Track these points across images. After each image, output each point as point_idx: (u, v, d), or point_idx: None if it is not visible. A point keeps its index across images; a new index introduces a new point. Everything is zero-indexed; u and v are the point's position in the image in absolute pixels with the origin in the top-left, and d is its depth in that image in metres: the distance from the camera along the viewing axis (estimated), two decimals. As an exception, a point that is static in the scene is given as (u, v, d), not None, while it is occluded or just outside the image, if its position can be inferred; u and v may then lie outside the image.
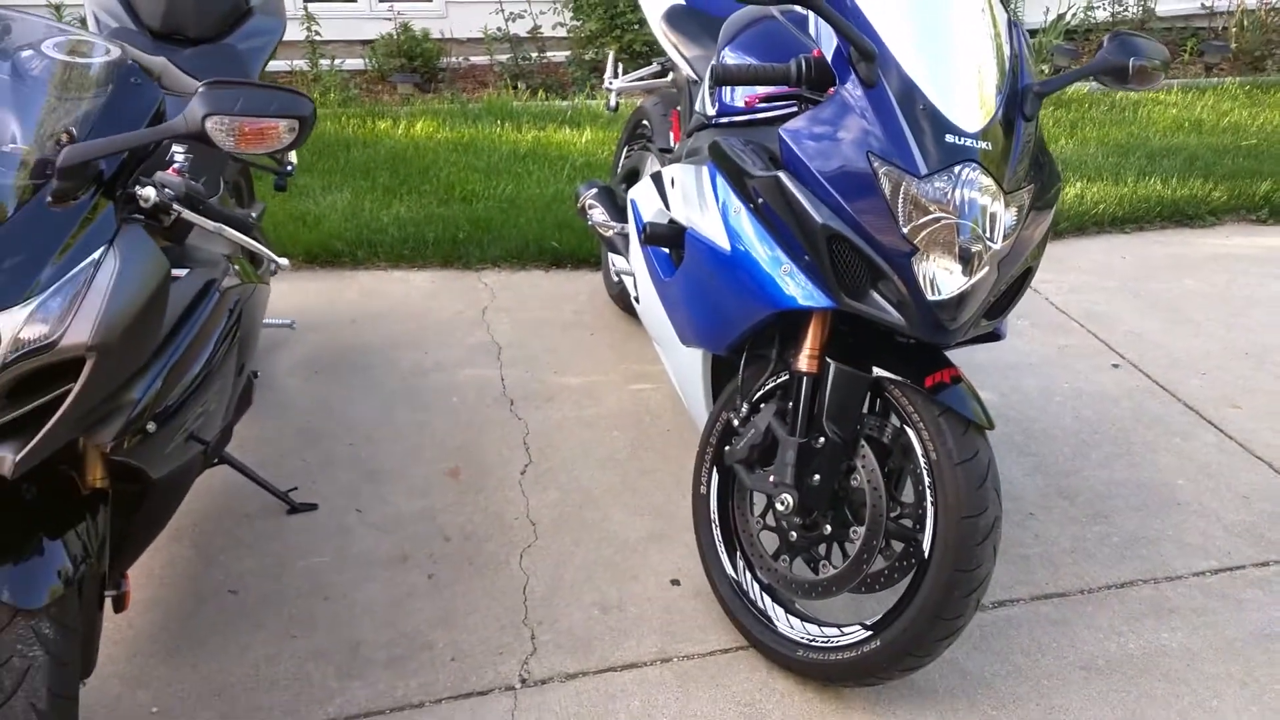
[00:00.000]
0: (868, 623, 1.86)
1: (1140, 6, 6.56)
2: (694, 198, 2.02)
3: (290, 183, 2.75)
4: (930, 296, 1.64)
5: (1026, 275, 1.80)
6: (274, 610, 2.12)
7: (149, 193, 1.41)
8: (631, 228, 2.52)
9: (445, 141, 4.62)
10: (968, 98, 1.67)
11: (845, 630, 1.90)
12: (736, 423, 2.00)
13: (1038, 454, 2.74)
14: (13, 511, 1.42)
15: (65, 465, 1.50)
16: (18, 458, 1.31)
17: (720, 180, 1.91)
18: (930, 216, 1.62)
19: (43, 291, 1.30)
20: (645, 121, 3.18)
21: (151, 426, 1.51)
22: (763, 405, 1.97)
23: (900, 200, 1.62)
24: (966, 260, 1.63)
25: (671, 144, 2.90)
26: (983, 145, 1.64)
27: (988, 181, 1.63)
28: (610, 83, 3.14)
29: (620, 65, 3.21)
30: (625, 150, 3.38)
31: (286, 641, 2.04)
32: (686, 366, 2.26)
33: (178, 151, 1.61)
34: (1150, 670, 2.06)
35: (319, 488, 2.49)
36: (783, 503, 1.86)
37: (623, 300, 3.30)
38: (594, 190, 2.97)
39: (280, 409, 2.78)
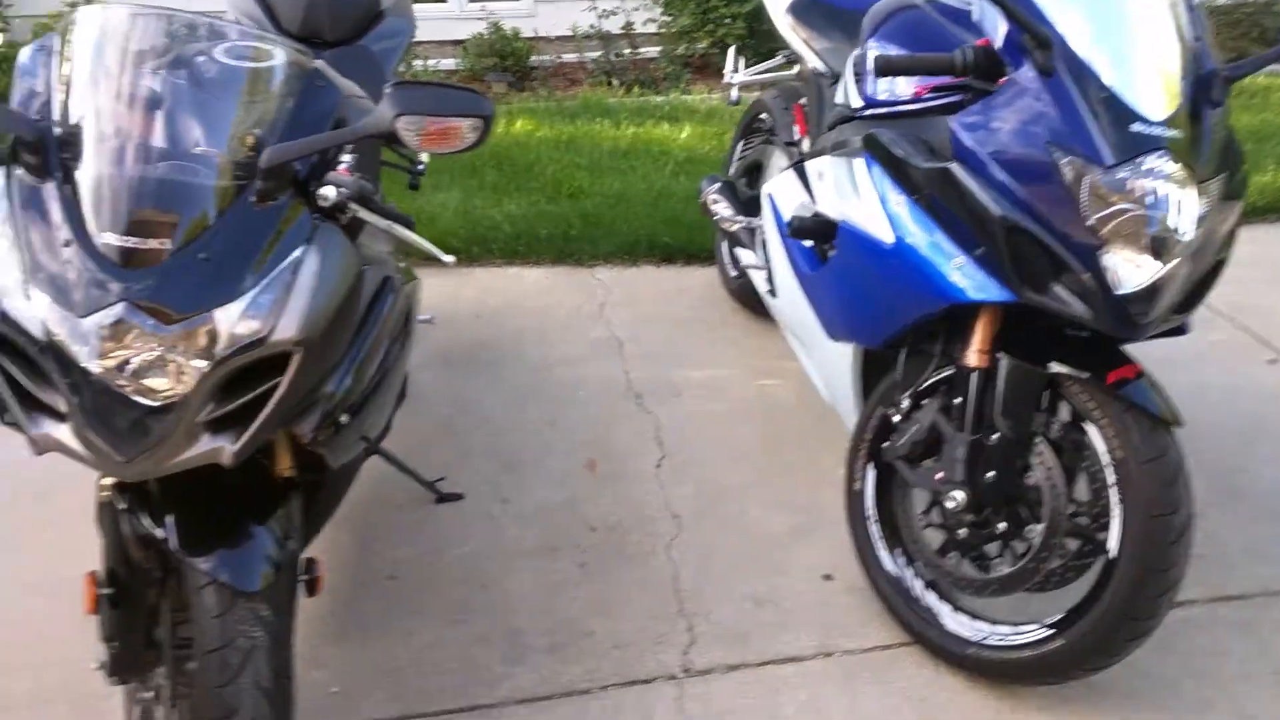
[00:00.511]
0: (1048, 621, 1.84)
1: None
2: (848, 190, 2.02)
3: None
4: (1119, 290, 1.62)
5: (1217, 268, 1.78)
6: (433, 597, 2.17)
7: (329, 191, 1.45)
8: (768, 222, 2.53)
9: (546, 139, 4.67)
10: (1152, 85, 1.64)
11: (1021, 628, 1.88)
12: (897, 418, 2.00)
13: (1198, 451, 2.65)
14: (219, 499, 1.48)
15: (259, 454, 1.55)
16: (236, 447, 1.36)
17: (878, 172, 1.91)
18: (1117, 207, 1.60)
19: (252, 288, 1.35)
20: (764, 115, 3.18)
21: (344, 419, 1.56)
22: (925, 401, 1.97)
23: (1084, 191, 1.60)
24: (1157, 252, 1.61)
25: (795, 137, 2.90)
26: (1171, 133, 1.61)
27: (1178, 170, 1.60)
28: (731, 76, 3.14)
29: (742, 59, 3.21)
30: (741, 144, 3.38)
31: (449, 627, 2.09)
32: (833, 361, 2.26)
33: (345, 151, 1.66)
34: None
35: (462, 478, 2.54)
36: (953, 500, 1.86)
37: (740, 295, 3.31)
38: (716, 185, 2.98)
39: (418, 401, 2.83)
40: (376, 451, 2.30)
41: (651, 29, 5.95)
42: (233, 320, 1.33)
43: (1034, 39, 1.63)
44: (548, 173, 4.24)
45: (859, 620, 2.13)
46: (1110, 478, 1.75)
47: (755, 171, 3.19)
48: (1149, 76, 1.65)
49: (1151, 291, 1.63)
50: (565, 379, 2.99)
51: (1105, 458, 1.75)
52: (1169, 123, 1.62)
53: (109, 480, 1.46)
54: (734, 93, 3.16)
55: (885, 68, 1.74)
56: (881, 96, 1.99)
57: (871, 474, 2.10)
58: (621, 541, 2.35)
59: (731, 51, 3.21)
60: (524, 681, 1.97)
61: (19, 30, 5.40)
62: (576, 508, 2.46)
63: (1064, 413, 1.85)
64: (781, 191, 2.44)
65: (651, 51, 6.01)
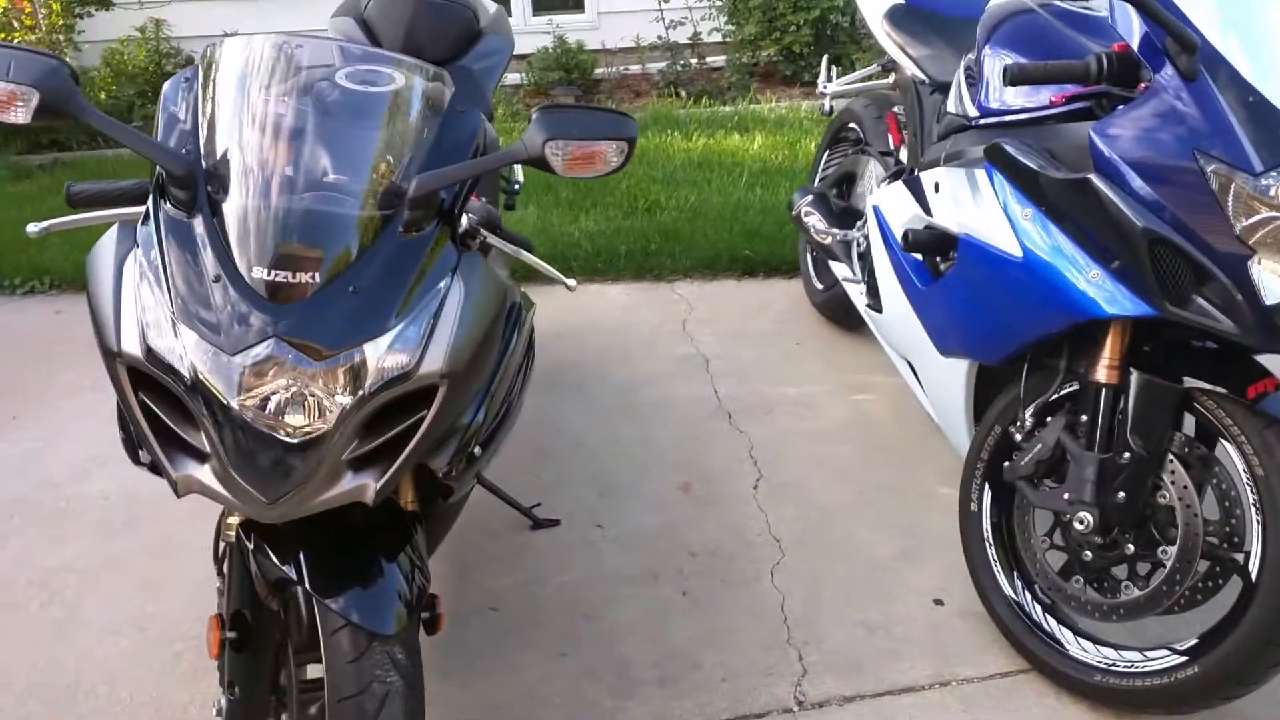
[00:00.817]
0: (1180, 647, 1.76)
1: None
2: (969, 202, 1.96)
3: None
4: (1269, 301, 1.55)
5: None
6: (537, 628, 2.15)
7: (463, 219, 1.43)
8: (874, 234, 2.47)
9: (617, 153, 4.65)
10: None
11: (1150, 655, 1.80)
12: (1019, 436, 1.93)
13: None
14: (348, 537, 1.46)
15: None
16: (379, 485, 1.34)
17: (1002, 183, 1.85)
18: (1265, 215, 1.52)
19: (401, 321, 1.33)
20: (852, 125, 3.13)
21: (477, 450, 1.54)
22: (1049, 418, 1.90)
23: (1231, 199, 1.53)
24: None
25: (891, 146, 2.84)
26: None
27: None
28: (825, 86, 3.10)
29: (835, 68, 3.16)
30: (827, 154, 3.33)
31: (556, 660, 2.07)
32: (944, 378, 2.19)
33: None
34: None
35: (557, 504, 2.51)
36: (1081, 521, 1.79)
37: (828, 309, 3.25)
38: (809, 198, 2.93)
39: (507, 425, 2.83)
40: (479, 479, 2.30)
41: (716, 38, 5.92)
42: (381, 354, 1.31)
43: (1177, 42, 1.57)
44: (622, 187, 4.22)
45: (975, 647, 2.06)
46: (1250, 497, 1.67)
47: (846, 182, 3.13)
48: None
49: None
50: (654, 398, 2.96)
51: (1244, 475, 1.68)
52: None
53: (235, 520, 1.45)
54: (827, 102, 3.11)
55: (1018, 76, 1.69)
56: (994, 105, 1.92)
57: (989, 494, 2.03)
58: (724, 567, 2.30)
59: (825, 60, 3.17)
60: (635, 715, 1.94)
61: (89, 55, 5.56)
62: (675, 532, 2.42)
63: (1190, 428, 1.78)
64: (890, 203, 2.38)
65: (717, 61, 5.98)
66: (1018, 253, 1.80)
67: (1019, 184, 1.81)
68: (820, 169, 3.35)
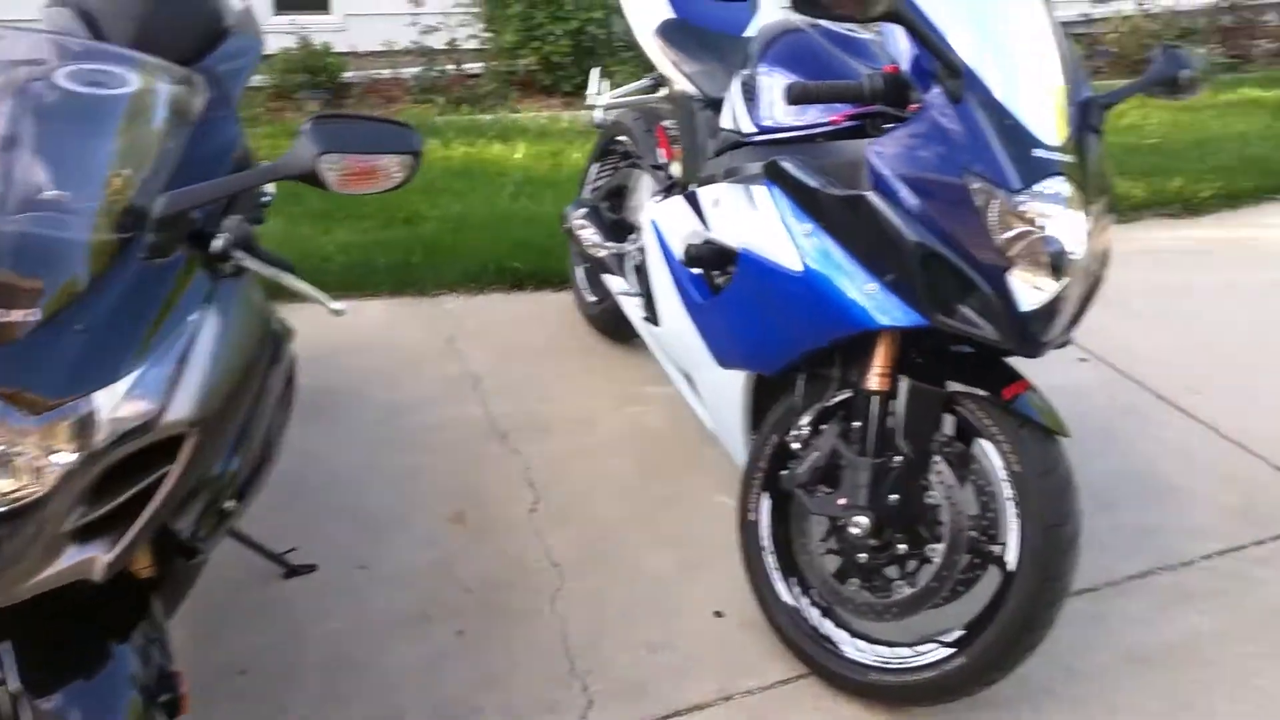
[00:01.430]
0: (946, 639, 1.84)
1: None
2: (748, 218, 1.97)
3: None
4: (1024, 309, 1.65)
5: (1097, 285, 1.82)
6: (295, 689, 1.94)
7: (216, 240, 1.25)
8: (651, 248, 2.45)
9: (370, 161, 4.42)
10: (1047, 112, 1.68)
11: (919, 650, 1.87)
12: (796, 445, 1.95)
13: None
14: (67, 616, 1.23)
15: None
16: (110, 558, 1.13)
17: (782, 199, 1.89)
18: (1022, 229, 1.62)
19: (142, 363, 1.13)
20: (623, 138, 3.11)
21: (230, 504, 1.35)
22: (824, 426, 1.93)
23: (993, 214, 1.62)
24: (1055, 272, 1.65)
25: (661, 160, 2.84)
26: (1066, 158, 1.66)
27: (1073, 193, 1.65)
28: (594, 98, 3.06)
29: (606, 83, 3.12)
30: (597, 167, 3.30)
31: (319, 721, 1.87)
32: (721, 390, 2.21)
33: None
34: (1192, 656, 2.10)
35: (314, 546, 2.30)
36: (857, 525, 1.83)
37: (600, 322, 3.21)
38: (582, 210, 2.90)
39: (255, 460, 2.57)
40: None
41: (474, 45, 5.78)
42: (116, 403, 1.11)
43: (945, 66, 1.64)
44: (377, 196, 3.99)
45: (756, 656, 2.06)
46: (1007, 492, 1.77)
47: (618, 195, 3.10)
48: (1044, 104, 1.69)
49: (1051, 309, 1.67)
50: (422, 423, 2.79)
51: (1002, 472, 1.77)
52: (1063, 149, 1.66)
53: None
54: (598, 114, 3.08)
55: (800, 95, 1.74)
56: (770, 122, 1.98)
57: (767, 503, 2.05)
58: (502, 600, 2.19)
59: (595, 73, 3.13)
60: (411, 772, 1.79)
61: None
62: (448, 567, 2.27)
63: (949, 427, 1.86)
64: (668, 218, 2.37)
65: (475, 69, 5.85)
66: (798, 267, 1.83)
67: (798, 200, 1.85)
68: (590, 181, 3.32)
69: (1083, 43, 6.88)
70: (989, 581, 1.82)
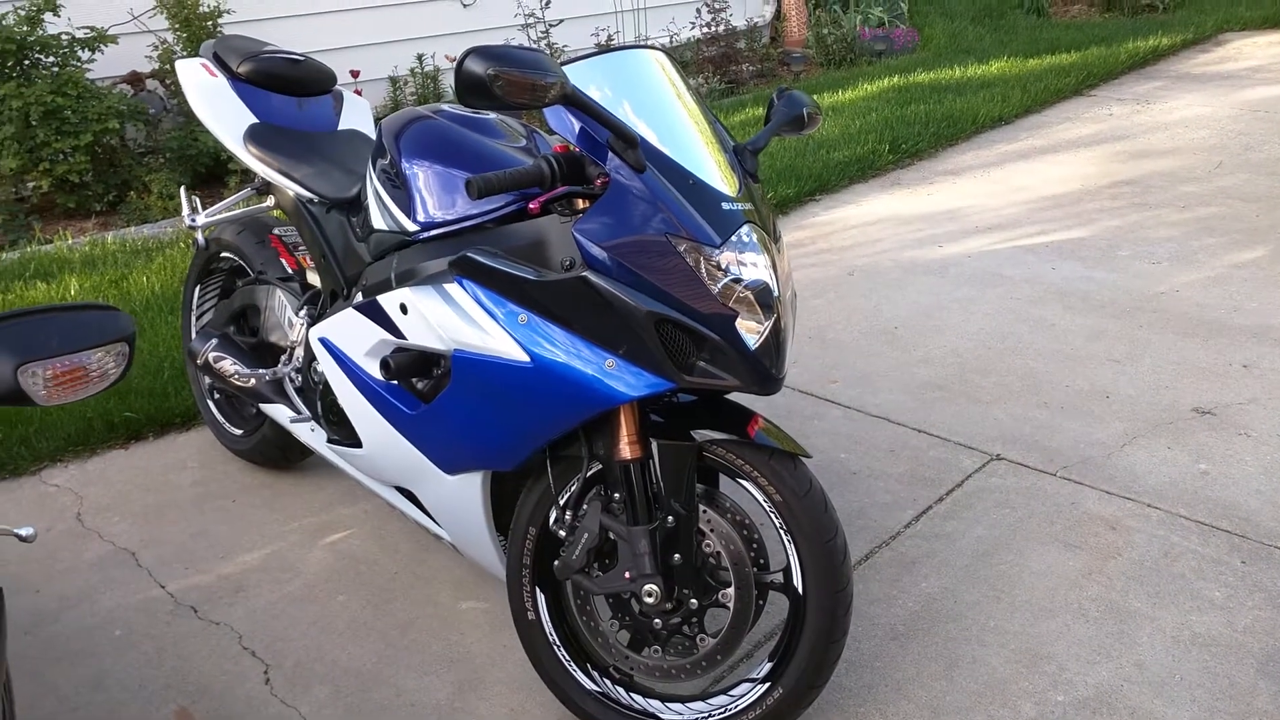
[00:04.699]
0: (757, 675, 2.02)
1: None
2: (451, 318, 2.00)
3: None
4: (752, 350, 1.85)
5: (795, 312, 2.10)
6: None
7: None
8: (330, 369, 2.36)
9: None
10: (713, 167, 1.91)
11: (735, 694, 2.03)
12: (562, 532, 2.04)
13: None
14: None
15: None
16: None
17: (484, 294, 1.94)
18: (733, 278, 1.83)
19: None
20: (227, 254, 3.01)
21: None
22: (584, 506, 2.03)
23: (705, 271, 1.81)
24: (767, 309, 1.86)
25: (288, 271, 2.78)
26: (747, 206, 1.89)
27: (760, 236, 1.89)
28: (191, 219, 2.92)
29: (197, 199, 2.98)
30: (198, 290, 3.15)
31: None
32: (455, 497, 2.20)
33: None
34: (937, 616, 2.43)
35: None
36: (649, 594, 1.94)
37: (258, 453, 3.05)
38: (214, 341, 2.76)
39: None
40: None
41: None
42: None
43: (623, 140, 1.79)
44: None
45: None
46: (777, 522, 1.97)
47: (244, 317, 2.97)
48: (710, 160, 1.91)
49: (777, 345, 1.89)
50: (86, 624, 2.49)
51: (766, 505, 1.97)
52: (739, 198, 1.90)
53: None
54: (200, 236, 2.96)
55: (483, 189, 1.77)
56: (435, 217, 2.04)
57: (543, 598, 2.11)
58: (277, 792, 2.04)
59: (183, 191, 2.98)
60: None
61: None
62: (191, 777, 2.07)
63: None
64: (341, 334, 2.30)
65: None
66: (523, 357, 1.90)
67: (499, 290, 1.91)
68: (196, 308, 3.18)
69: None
70: (772, 611, 1.99)
